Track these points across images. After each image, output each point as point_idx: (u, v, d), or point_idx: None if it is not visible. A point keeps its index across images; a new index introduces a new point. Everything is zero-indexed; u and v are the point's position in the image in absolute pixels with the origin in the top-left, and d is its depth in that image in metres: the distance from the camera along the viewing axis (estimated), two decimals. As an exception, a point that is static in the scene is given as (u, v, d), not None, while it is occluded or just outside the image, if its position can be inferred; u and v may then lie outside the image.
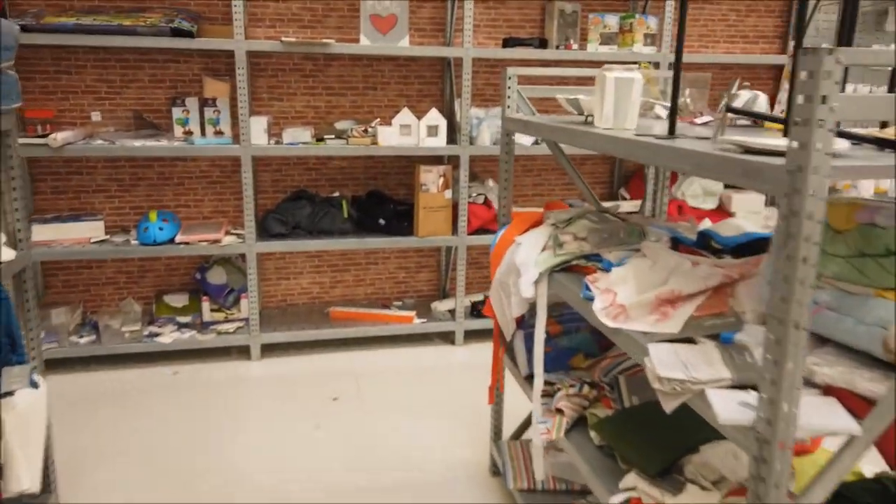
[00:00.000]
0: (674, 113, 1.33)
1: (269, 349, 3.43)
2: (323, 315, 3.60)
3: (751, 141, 1.04)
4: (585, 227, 1.90)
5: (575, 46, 3.49)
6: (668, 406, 1.13)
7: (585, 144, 1.54)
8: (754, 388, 1.08)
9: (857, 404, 1.04)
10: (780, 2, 3.95)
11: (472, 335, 3.64)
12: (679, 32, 1.29)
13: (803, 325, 0.91)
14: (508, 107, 2.14)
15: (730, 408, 1.03)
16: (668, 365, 1.14)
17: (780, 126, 1.59)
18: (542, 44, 3.38)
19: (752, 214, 3.79)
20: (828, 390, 1.07)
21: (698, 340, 1.28)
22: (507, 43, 3.35)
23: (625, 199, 3.91)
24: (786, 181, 0.89)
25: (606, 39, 3.42)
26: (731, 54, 3.95)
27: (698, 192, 3.88)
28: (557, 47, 3.51)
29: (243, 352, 3.41)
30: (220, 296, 3.43)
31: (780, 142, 1.03)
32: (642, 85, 1.53)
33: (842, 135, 1.22)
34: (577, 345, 2.01)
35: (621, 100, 1.54)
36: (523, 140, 3.36)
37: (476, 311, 3.64)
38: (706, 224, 1.84)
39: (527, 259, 1.84)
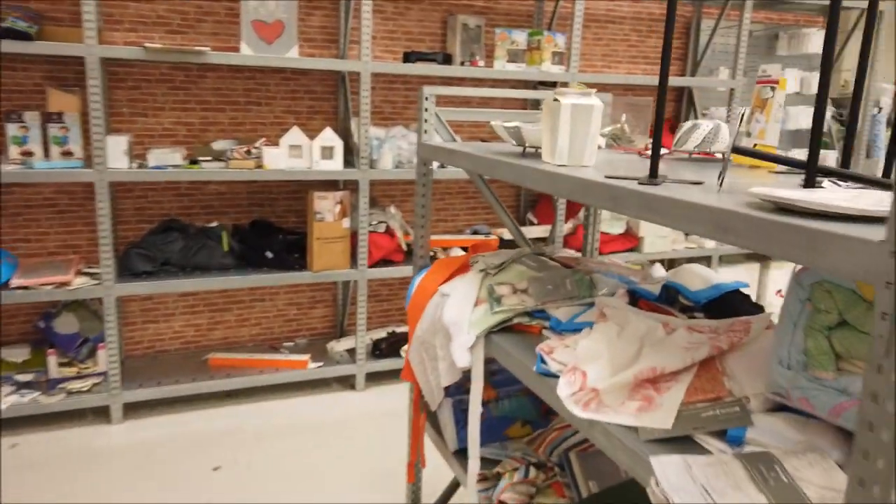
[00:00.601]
0: (657, 151, 1.07)
1: (133, 409, 2.90)
2: (200, 364, 3.11)
3: (795, 198, 0.78)
4: (523, 274, 1.62)
5: (481, 63, 3.24)
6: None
7: (538, 184, 1.25)
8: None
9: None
10: (679, 24, 3.91)
11: (374, 377, 3.28)
12: (664, 52, 1.03)
13: (909, 464, 0.65)
14: (425, 131, 1.83)
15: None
16: (684, 491, 0.86)
17: (750, 161, 1.38)
18: (447, 59, 3.10)
19: (660, 238, 3.70)
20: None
21: (698, 439, 1.02)
22: (409, 57, 3.04)
23: (532, 223, 3.70)
24: (888, 266, 0.63)
25: (513, 56, 3.19)
26: (633, 75, 3.87)
27: (606, 215, 3.75)
28: (462, 63, 3.25)
29: (101, 414, 2.86)
30: (70, 347, 2.86)
31: (833, 199, 0.78)
32: (602, 113, 1.27)
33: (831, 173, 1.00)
34: (513, 412, 1.72)
35: (578, 131, 1.27)
36: (428, 163, 3.06)
37: (378, 350, 3.29)
38: (660, 271, 1.60)
39: (458, 317, 1.53)
